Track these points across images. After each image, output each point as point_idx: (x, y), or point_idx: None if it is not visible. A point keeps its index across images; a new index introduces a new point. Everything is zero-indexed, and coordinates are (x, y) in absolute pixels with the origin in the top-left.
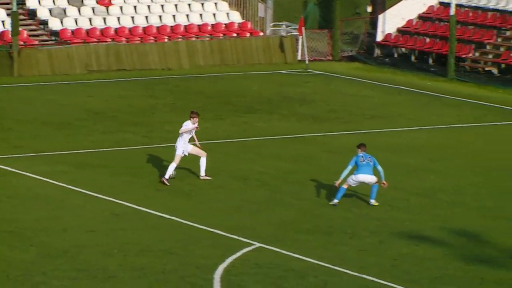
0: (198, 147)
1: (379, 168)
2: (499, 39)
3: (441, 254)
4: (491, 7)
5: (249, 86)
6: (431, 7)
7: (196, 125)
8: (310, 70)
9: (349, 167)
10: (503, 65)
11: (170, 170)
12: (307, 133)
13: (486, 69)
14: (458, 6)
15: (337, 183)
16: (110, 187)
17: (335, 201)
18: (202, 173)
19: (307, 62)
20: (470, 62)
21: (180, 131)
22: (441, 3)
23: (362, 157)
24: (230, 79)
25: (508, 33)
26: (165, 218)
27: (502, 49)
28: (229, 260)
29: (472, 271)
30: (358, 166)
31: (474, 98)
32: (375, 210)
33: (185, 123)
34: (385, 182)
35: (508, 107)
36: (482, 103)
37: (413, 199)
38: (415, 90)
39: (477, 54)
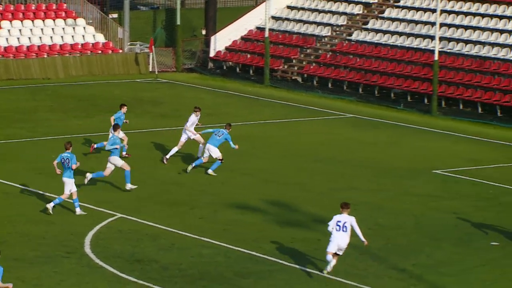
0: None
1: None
2: (302, 55)
3: (261, 219)
4: (296, 31)
5: (112, 91)
6: (250, 30)
7: (198, 117)
8: (159, 79)
9: (209, 130)
10: (305, 75)
11: (172, 152)
12: (157, 128)
13: (293, 78)
14: (271, 30)
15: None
16: (1, 171)
17: (190, 167)
18: (199, 154)
19: (156, 73)
20: (281, 72)
21: (187, 125)
22: (258, 28)
23: (217, 133)
24: (97, 86)
25: (308, 51)
26: (46, 195)
27: (304, 63)
28: (97, 227)
29: (285, 232)
30: (210, 139)
31: (284, 100)
32: (211, 187)
33: (190, 117)
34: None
35: (310, 107)
36: (291, 104)
37: (239, 177)
38: (240, 94)
39: (286, 66)
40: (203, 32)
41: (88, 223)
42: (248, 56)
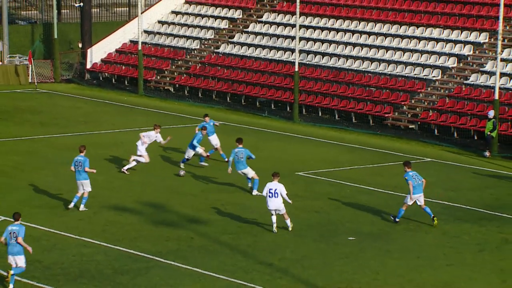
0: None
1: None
2: (173, 67)
3: (137, 220)
4: (167, 44)
5: None
6: (124, 44)
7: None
8: (38, 89)
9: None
10: (177, 85)
11: (132, 164)
12: (36, 135)
13: (165, 88)
14: (144, 43)
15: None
16: None
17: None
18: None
19: (36, 83)
20: (154, 83)
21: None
22: (131, 41)
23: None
24: None
25: (179, 63)
26: None
27: (175, 74)
28: None
29: (160, 232)
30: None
31: (157, 109)
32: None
33: (148, 133)
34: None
35: (181, 115)
36: (164, 112)
37: (116, 182)
38: (116, 103)
39: (158, 77)
40: (80, 45)
41: None
42: (123, 67)
